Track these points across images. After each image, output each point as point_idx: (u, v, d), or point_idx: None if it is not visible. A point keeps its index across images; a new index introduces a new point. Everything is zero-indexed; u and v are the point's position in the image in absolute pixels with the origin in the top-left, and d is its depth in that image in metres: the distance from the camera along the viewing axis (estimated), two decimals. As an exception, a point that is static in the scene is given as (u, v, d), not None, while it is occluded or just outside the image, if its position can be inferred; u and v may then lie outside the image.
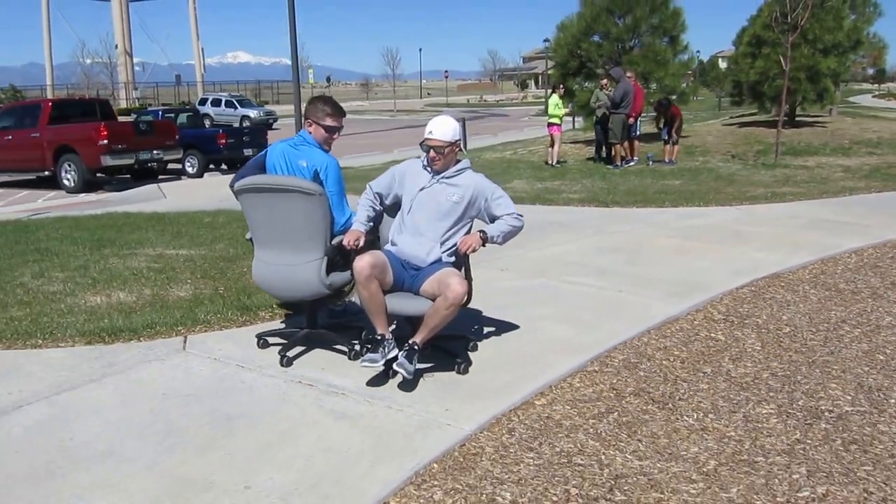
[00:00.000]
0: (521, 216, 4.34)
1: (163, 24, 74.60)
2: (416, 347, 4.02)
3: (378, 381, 4.11)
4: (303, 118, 4.63)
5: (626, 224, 8.82)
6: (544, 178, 13.52)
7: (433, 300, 4.04)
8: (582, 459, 3.40)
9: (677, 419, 3.80)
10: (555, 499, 3.08)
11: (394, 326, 4.47)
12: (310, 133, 4.58)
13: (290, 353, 4.53)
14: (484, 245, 4.20)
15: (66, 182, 16.19)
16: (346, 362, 4.49)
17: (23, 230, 9.64)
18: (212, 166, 19.35)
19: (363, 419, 3.76)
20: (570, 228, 8.61)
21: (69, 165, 16.12)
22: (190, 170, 18.54)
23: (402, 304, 4.17)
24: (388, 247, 4.37)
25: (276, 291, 4.65)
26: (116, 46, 62.85)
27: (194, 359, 4.65)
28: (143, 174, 17.42)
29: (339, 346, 4.64)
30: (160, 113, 22.91)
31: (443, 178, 4.32)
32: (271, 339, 4.78)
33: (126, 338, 5.01)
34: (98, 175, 16.32)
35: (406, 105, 63.17)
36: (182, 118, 21.26)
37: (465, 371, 4.31)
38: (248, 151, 18.54)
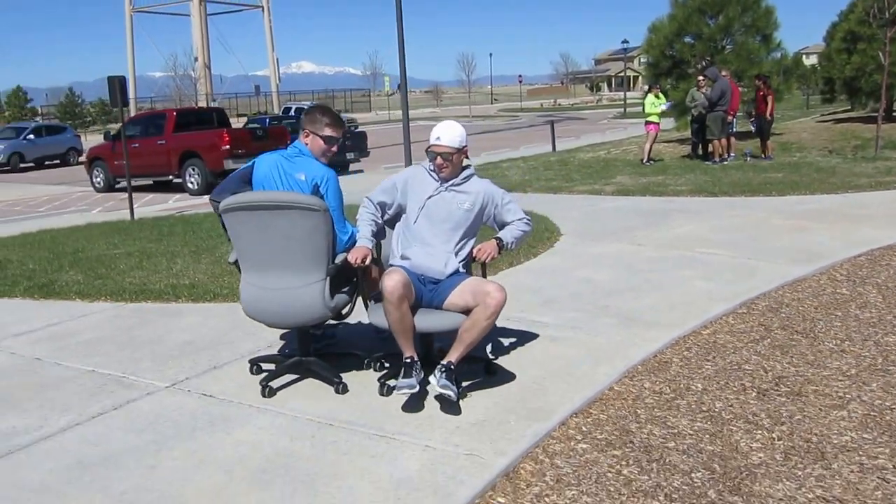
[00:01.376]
0: (531, 221, 4.37)
1: (235, 37, 77.68)
2: (451, 367, 3.85)
3: (415, 404, 3.95)
4: (300, 129, 4.45)
5: (740, 209, 9.83)
6: (646, 174, 14.52)
7: (463, 313, 3.94)
8: (749, 367, 4.50)
9: (819, 344, 4.87)
10: (735, 389, 4.19)
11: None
12: (306, 144, 4.36)
13: (274, 384, 4.32)
14: (500, 253, 4.19)
15: (190, 185, 17.85)
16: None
17: (188, 222, 11.16)
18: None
19: (567, 341, 4.94)
20: (689, 214, 9.66)
21: (193, 169, 17.78)
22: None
23: (432, 320, 4.00)
24: (398, 262, 4.19)
25: (271, 319, 4.26)
26: (196, 59, 65.63)
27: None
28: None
29: (327, 377, 4.34)
30: (267, 120, 24.64)
31: (451, 185, 4.22)
32: (265, 365, 4.61)
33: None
34: (219, 178, 17.92)
35: (479, 111, 64.41)
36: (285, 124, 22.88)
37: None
38: (350, 155, 20.01)
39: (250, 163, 4.44)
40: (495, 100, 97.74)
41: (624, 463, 3.41)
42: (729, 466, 3.34)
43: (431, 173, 4.27)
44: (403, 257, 4.16)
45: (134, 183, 19.71)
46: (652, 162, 16.68)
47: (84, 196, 19.17)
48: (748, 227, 8.53)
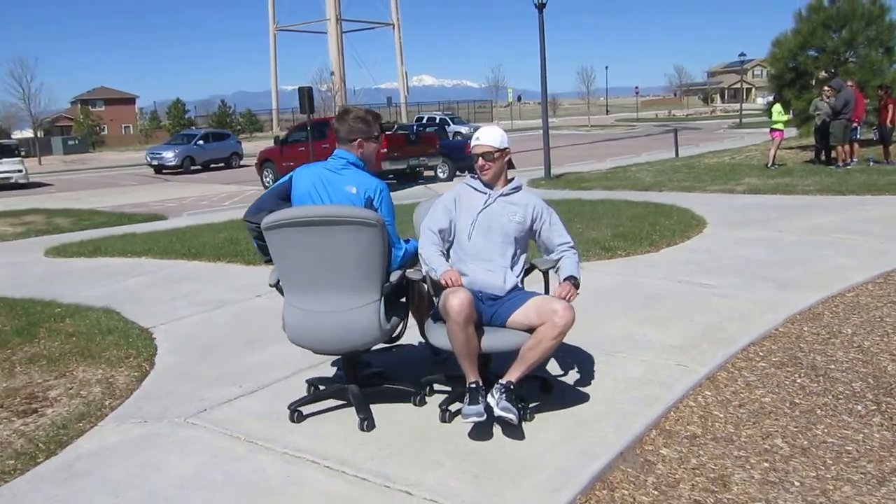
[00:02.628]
0: (577, 247, 4.03)
1: (363, 52, 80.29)
2: (511, 387, 3.54)
3: (483, 432, 3.61)
4: (341, 138, 3.99)
5: (869, 206, 10.36)
6: (773, 176, 14.99)
7: (527, 331, 3.62)
8: (889, 319, 5.28)
9: (950, 306, 5.58)
10: (879, 333, 5.00)
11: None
12: (359, 154, 3.91)
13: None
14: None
15: (351, 184, 19.35)
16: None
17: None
18: (458, 172, 22.05)
19: (723, 296, 5.82)
20: (820, 208, 10.27)
21: (354, 170, 19.27)
22: (441, 175, 21.32)
23: (496, 340, 3.64)
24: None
25: (320, 345, 3.85)
26: (332, 73, 68.38)
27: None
28: (406, 178, 20.34)
29: (405, 388, 4.09)
30: (414, 127, 26.13)
31: (500, 196, 3.91)
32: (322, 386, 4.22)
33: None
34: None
35: (597, 121, 64.69)
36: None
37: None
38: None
39: (287, 177, 3.97)
40: (607, 111, 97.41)
41: (796, 376, 4.31)
42: (881, 381, 4.19)
43: (476, 186, 3.96)
44: (460, 274, 3.74)
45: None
46: (777, 166, 17.06)
47: (256, 193, 20.78)
48: (879, 219, 9.11)
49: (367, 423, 3.76)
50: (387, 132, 21.37)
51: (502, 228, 3.86)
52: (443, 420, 3.79)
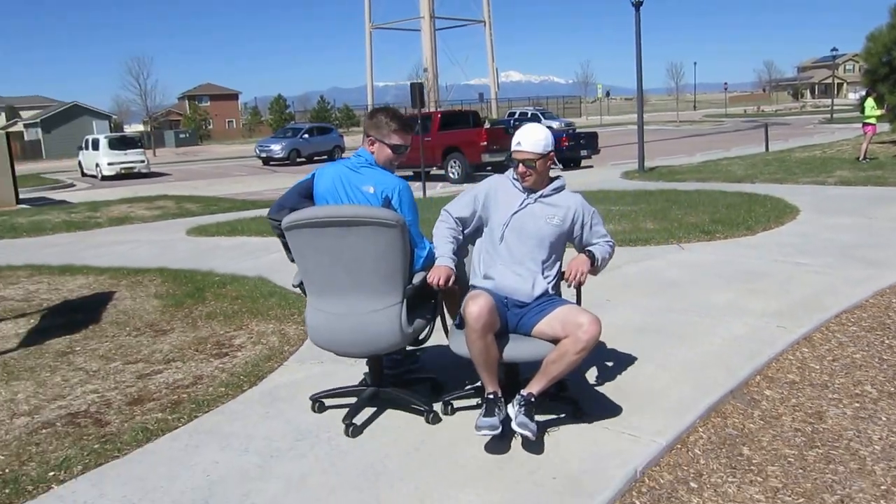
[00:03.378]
0: (615, 244, 3.82)
1: (453, 49, 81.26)
2: (532, 400, 3.32)
3: (500, 446, 3.38)
4: (363, 135, 3.81)
5: (962, 197, 10.45)
6: (865, 169, 14.99)
7: (552, 342, 3.37)
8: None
9: None
10: (965, 307, 5.37)
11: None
12: (372, 153, 3.71)
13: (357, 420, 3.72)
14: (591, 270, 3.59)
15: (451, 175, 20.11)
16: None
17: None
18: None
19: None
20: (913, 199, 10.43)
21: (455, 162, 20.02)
22: (536, 167, 21.83)
23: (518, 350, 3.42)
24: (480, 282, 3.62)
25: (342, 348, 3.69)
26: (426, 70, 69.39)
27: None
28: (503, 169, 20.92)
29: (414, 406, 3.81)
30: (511, 121, 26.73)
31: (540, 197, 3.62)
32: (329, 402, 4.00)
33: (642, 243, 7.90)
34: (477, 170, 20.07)
35: (685, 116, 63.75)
36: (523, 126, 24.80)
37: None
38: (584, 152, 21.62)
39: (309, 175, 3.81)
40: (693, 107, 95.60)
41: (885, 338, 4.78)
42: (963, 343, 4.61)
43: (516, 184, 3.66)
44: (486, 277, 3.58)
45: (399, 173, 22.42)
46: (868, 160, 16.95)
47: (362, 183, 21.87)
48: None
49: (434, 416, 3.69)
50: (488, 126, 22.03)
51: (538, 231, 3.57)
52: (444, 412, 3.73)
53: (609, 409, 3.74)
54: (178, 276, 7.75)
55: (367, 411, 3.86)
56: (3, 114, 75.40)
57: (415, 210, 3.67)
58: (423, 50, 72.29)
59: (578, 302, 3.66)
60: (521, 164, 3.56)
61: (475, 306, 3.21)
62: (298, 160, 32.90)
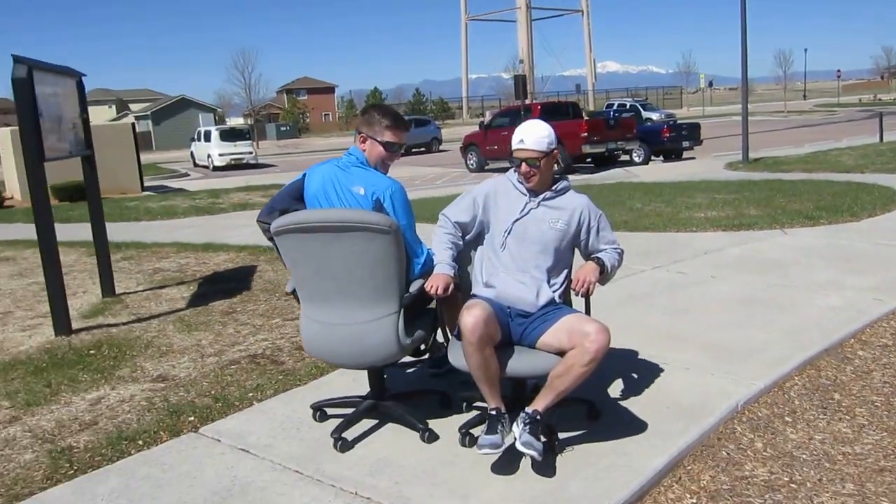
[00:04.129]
0: (623, 251, 3.58)
1: (549, 39, 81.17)
2: (538, 418, 3.13)
3: (505, 465, 3.21)
4: (356, 132, 3.61)
5: None
6: None
7: (559, 354, 3.19)
8: None
9: None
10: None
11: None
12: (363, 151, 3.54)
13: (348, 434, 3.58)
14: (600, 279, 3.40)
15: (551, 165, 20.65)
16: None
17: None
18: (653, 156, 22.76)
19: None
20: None
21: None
22: (637, 159, 22.14)
23: (521, 363, 3.26)
24: (482, 291, 3.46)
25: (337, 359, 3.57)
26: (521, 61, 69.84)
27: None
28: (603, 161, 21.37)
29: (410, 423, 3.59)
30: (611, 112, 27.08)
31: (543, 200, 3.45)
32: (330, 411, 3.86)
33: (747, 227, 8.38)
34: (577, 161, 20.57)
35: (793, 106, 62.06)
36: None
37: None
38: (686, 144, 21.80)
39: (300, 176, 3.68)
40: (804, 96, 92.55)
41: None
42: None
43: (518, 186, 3.49)
44: (488, 285, 3.44)
45: (496, 165, 23.15)
46: None
47: (462, 174, 22.70)
48: None
49: (430, 435, 3.48)
50: (586, 118, 22.46)
51: (541, 237, 3.41)
52: (462, 444, 3.41)
53: (714, 361, 4.35)
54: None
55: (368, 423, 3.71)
56: (114, 106, 80.00)
57: (409, 213, 3.48)
58: (518, 41, 72.82)
59: (587, 312, 3.44)
60: (523, 164, 3.37)
61: (470, 317, 3.08)
62: (397, 152, 34.00)
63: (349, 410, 3.73)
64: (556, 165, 3.49)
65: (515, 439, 3.09)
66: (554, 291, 3.42)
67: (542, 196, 3.45)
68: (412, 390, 4.16)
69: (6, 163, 21.09)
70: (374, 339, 3.36)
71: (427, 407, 3.76)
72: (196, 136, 32.59)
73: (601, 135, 20.20)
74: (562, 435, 3.42)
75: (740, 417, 3.69)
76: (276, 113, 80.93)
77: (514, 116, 22.41)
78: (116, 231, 10.10)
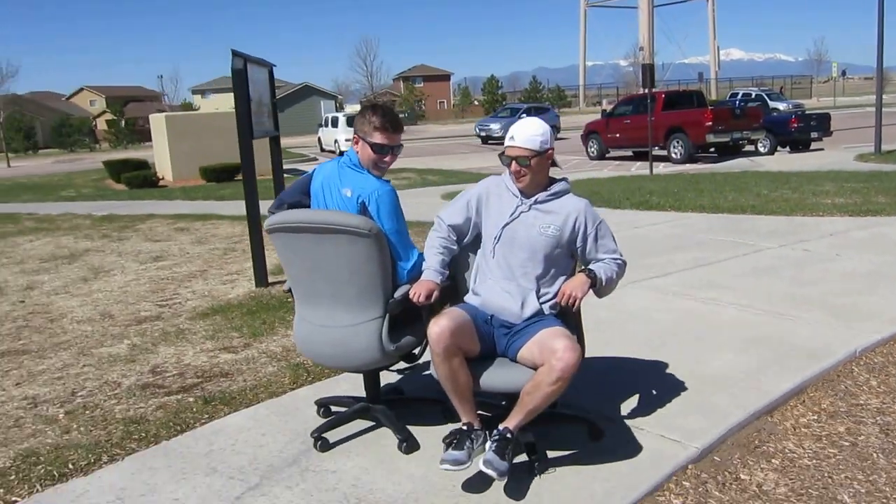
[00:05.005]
0: (625, 262, 3.40)
1: (676, 25, 79.77)
2: (508, 436, 3.01)
3: (479, 483, 3.07)
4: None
5: None
6: None
7: (535, 369, 3.05)
8: None
9: None
10: None
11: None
12: (357, 152, 3.51)
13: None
14: (594, 291, 3.24)
15: (674, 155, 21.01)
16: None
17: (696, 178, 14.24)
18: (779, 147, 22.69)
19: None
20: None
21: (677, 142, 20.90)
22: (762, 149, 22.16)
23: (496, 377, 3.15)
24: (470, 297, 3.39)
25: (326, 361, 3.58)
26: (641, 49, 69.16)
27: None
28: (727, 150, 21.52)
29: (393, 429, 3.56)
30: (736, 102, 27.06)
31: (535, 203, 3.31)
32: (335, 408, 3.91)
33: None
34: (700, 150, 20.83)
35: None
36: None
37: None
38: (814, 134, 21.69)
39: (311, 171, 3.69)
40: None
41: None
42: None
43: (511, 187, 3.37)
44: (475, 292, 3.37)
45: (617, 153, 23.62)
46: None
47: (582, 162, 23.28)
48: None
49: (407, 444, 3.45)
50: (711, 107, 22.59)
51: (530, 242, 3.26)
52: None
53: (836, 319, 5.03)
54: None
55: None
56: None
57: (397, 217, 3.40)
58: (639, 28, 72.07)
59: (577, 328, 3.26)
60: (513, 162, 3.25)
61: (437, 327, 3.01)
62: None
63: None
64: (552, 167, 3.36)
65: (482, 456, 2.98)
66: (543, 302, 3.25)
67: (534, 198, 3.31)
68: (414, 397, 4.11)
69: (159, 146, 23.18)
70: (358, 343, 3.33)
71: (431, 415, 3.63)
72: (323, 122, 34.41)
73: (726, 124, 20.40)
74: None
75: (858, 362, 4.38)
76: (392, 100, 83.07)
77: (638, 105, 22.78)
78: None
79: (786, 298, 5.57)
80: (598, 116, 25.34)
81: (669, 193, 11.72)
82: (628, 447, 3.38)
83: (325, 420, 3.73)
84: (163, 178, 21.35)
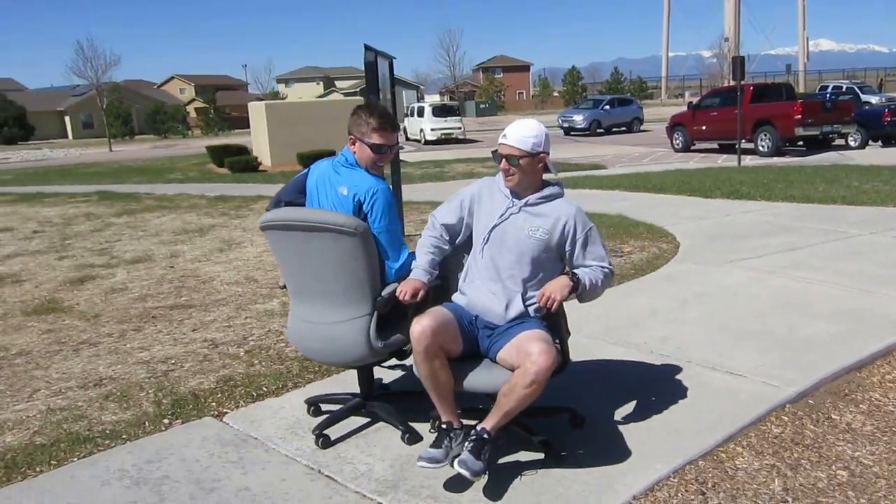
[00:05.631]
0: (613, 270, 3.38)
1: (765, 15, 77.94)
2: (485, 437, 3.05)
3: (459, 484, 3.10)
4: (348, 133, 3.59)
5: None
6: None
7: (513, 371, 3.07)
8: None
9: None
10: None
11: None
12: (354, 152, 3.56)
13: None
14: (571, 295, 3.18)
15: (761, 148, 21.05)
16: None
17: (788, 170, 14.47)
18: (871, 141, 22.45)
19: None
20: None
21: (765, 135, 20.94)
22: (853, 143, 21.97)
23: (478, 377, 3.18)
24: (456, 297, 3.43)
25: (317, 356, 3.70)
26: (726, 39, 67.96)
27: None
28: (818, 144, 21.44)
29: (393, 423, 3.66)
30: (826, 94, 26.82)
31: (526, 205, 3.32)
32: (325, 406, 3.95)
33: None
34: (788, 143, 20.84)
35: None
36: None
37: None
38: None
39: (306, 170, 3.74)
40: None
41: None
42: None
43: (503, 189, 3.37)
44: (462, 292, 3.41)
45: (702, 146, 23.72)
46: None
47: (667, 154, 23.41)
48: None
49: (410, 436, 3.53)
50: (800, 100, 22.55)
51: (517, 245, 3.27)
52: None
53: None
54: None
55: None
56: (321, 83, 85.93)
57: (390, 216, 3.44)
58: (725, 17, 70.85)
59: (559, 332, 3.22)
60: (503, 160, 3.27)
61: (418, 326, 3.04)
62: (598, 131, 35.05)
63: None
64: (544, 170, 3.35)
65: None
66: (528, 305, 3.26)
67: (525, 200, 3.32)
68: (406, 391, 4.15)
69: (257, 132, 24.35)
70: (346, 339, 3.40)
71: (427, 410, 3.48)
72: (409, 112, 35.35)
73: (816, 117, 20.35)
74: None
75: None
76: (471, 91, 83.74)
77: (725, 97, 22.85)
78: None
79: (874, 278, 6.01)
80: (682, 109, 25.49)
81: (759, 184, 12.06)
82: (734, 389, 3.98)
83: (322, 418, 3.73)
84: (261, 163, 22.48)
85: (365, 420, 3.77)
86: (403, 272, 3.41)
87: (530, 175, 3.28)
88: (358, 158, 3.53)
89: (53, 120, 68.11)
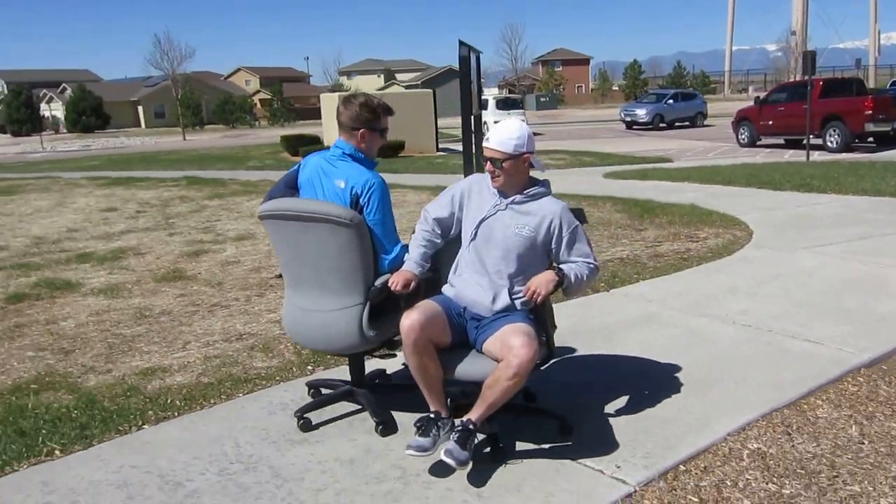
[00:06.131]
0: (598, 266, 3.43)
1: (834, 8, 76.26)
2: (471, 427, 3.14)
3: (444, 469, 3.16)
4: (342, 125, 3.62)
5: None
6: None
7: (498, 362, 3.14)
8: None
9: None
10: None
11: None
12: (360, 147, 3.58)
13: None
14: (562, 290, 3.29)
15: (830, 144, 21.00)
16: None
17: (856, 165, 14.59)
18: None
19: None
20: None
21: (834, 130, 20.89)
22: (925, 139, 21.76)
23: (468, 367, 3.26)
24: (445, 289, 3.51)
25: (310, 344, 3.78)
26: (793, 33, 66.80)
27: None
28: (886, 141, 21.28)
29: (373, 412, 3.70)
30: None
31: (512, 203, 3.38)
32: (325, 390, 4.05)
33: None
34: (858, 139, 20.77)
35: None
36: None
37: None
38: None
39: (297, 165, 3.80)
40: None
41: None
42: None
43: (492, 186, 3.43)
44: (451, 284, 3.48)
45: (768, 141, 23.70)
46: None
47: (732, 149, 23.41)
48: None
49: (384, 427, 3.61)
50: (870, 94, 22.40)
51: (504, 242, 3.34)
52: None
53: None
54: (625, 202, 10.67)
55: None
56: (382, 76, 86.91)
57: (385, 209, 3.53)
58: (792, 10, 69.68)
59: (539, 325, 3.29)
60: (488, 162, 3.33)
61: (407, 320, 3.13)
62: (661, 125, 35.05)
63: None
64: (532, 170, 3.40)
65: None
66: (515, 298, 3.32)
67: (512, 199, 3.38)
68: (398, 383, 4.17)
69: (328, 123, 25.13)
70: (339, 327, 3.49)
71: (420, 403, 3.42)
72: (473, 104, 35.85)
73: (888, 113, 20.23)
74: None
75: None
76: (530, 84, 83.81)
77: (793, 92, 22.79)
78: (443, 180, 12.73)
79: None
80: (747, 103, 25.43)
81: (829, 178, 12.27)
82: (812, 354, 4.43)
83: (308, 402, 3.87)
84: (331, 152, 23.24)
85: (356, 406, 3.88)
86: (396, 264, 3.50)
87: (515, 176, 3.34)
88: (367, 149, 3.59)
89: (127, 110, 70.61)
